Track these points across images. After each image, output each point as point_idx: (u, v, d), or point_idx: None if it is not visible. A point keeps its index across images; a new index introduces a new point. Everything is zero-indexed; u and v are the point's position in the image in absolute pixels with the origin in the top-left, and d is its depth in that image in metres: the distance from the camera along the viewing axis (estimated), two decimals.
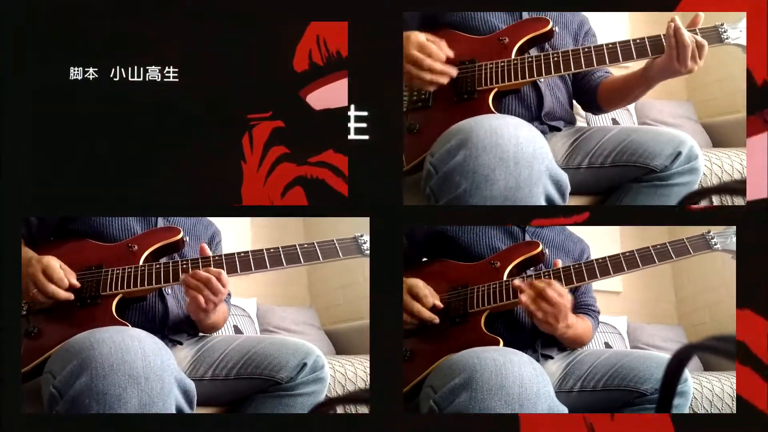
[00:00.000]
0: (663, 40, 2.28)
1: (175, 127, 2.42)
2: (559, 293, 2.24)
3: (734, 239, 2.33)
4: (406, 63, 2.29)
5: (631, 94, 2.40)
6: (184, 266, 2.32)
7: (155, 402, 2.17)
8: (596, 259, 2.30)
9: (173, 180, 2.41)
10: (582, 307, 2.40)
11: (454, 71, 2.30)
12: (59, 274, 2.28)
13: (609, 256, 2.30)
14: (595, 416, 2.30)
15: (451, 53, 2.31)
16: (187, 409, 2.24)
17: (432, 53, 2.29)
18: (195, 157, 2.39)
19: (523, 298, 2.24)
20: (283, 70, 2.38)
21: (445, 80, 2.30)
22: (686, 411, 2.29)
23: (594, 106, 2.45)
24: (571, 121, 2.43)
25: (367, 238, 2.37)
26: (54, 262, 2.29)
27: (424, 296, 2.30)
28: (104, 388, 2.16)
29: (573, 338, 2.32)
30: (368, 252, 2.37)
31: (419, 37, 2.29)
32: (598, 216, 2.41)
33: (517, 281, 2.27)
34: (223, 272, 2.29)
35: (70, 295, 2.29)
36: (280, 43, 2.36)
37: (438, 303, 2.30)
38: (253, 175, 2.39)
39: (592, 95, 2.43)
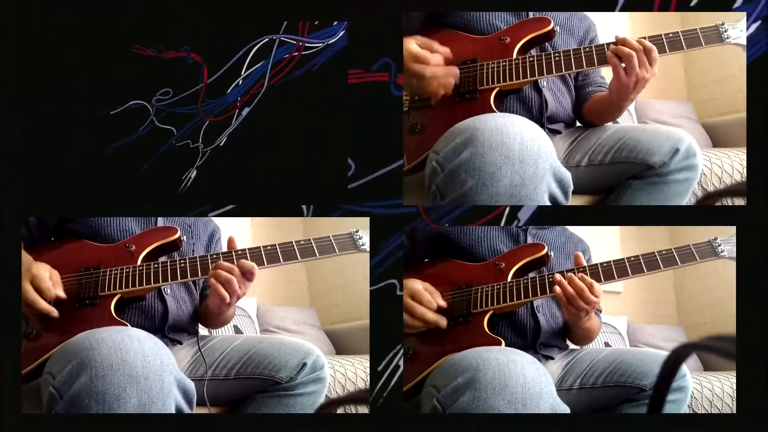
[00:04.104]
0: (663, 38, 2.28)
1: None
2: (597, 294, 2.25)
3: None
4: (407, 75, 2.29)
5: (607, 115, 2.40)
6: (182, 265, 2.32)
7: (155, 402, 2.17)
8: (601, 263, 2.30)
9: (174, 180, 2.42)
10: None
11: (456, 70, 2.30)
12: (46, 285, 2.26)
13: (614, 261, 2.30)
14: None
15: (447, 51, 2.31)
16: (186, 409, 2.23)
17: (429, 61, 2.29)
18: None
19: (558, 289, 2.25)
20: None
21: (451, 81, 2.30)
22: (685, 407, 2.29)
23: (579, 118, 2.45)
24: (571, 124, 2.43)
25: (362, 233, 2.37)
26: (43, 272, 2.27)
27: (428, 301, 2.30)
28: (104, 388, 2.15)
29: (587, 329, 2.33)
30: (364, 247, 2.36)
31: (412, 46, 2.28)
32: (598, 216, 2.41)
33: (558, 276, 2.27)
34: (254, 266, 2.30)
35: (53, 309, 2.27)
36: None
37: (442, 303, 2.30)
38: None
39: (580, 107, 2.44)
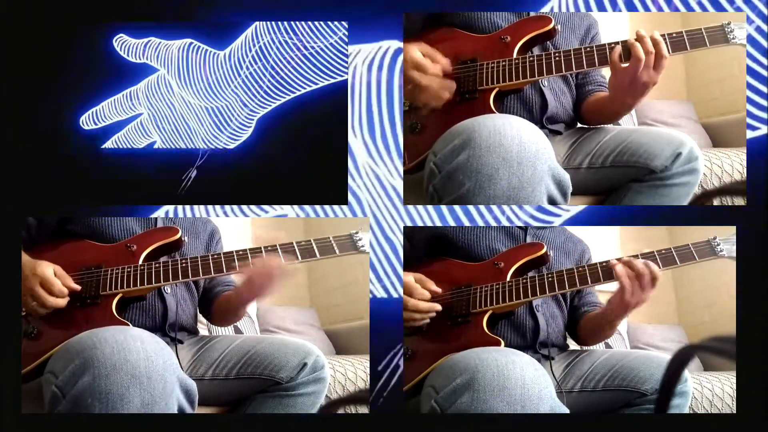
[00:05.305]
0: (666, 39, 2.26)
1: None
2: (656, 275, 2.23)
3: None
4: (406, 82, 2.28)
5: (606, 114, 2.39)
6: (183, 265, 2.32)
7: (157, 402, 2.17)
8: (600, 263, 2.29)
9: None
10: (591, 305, 2.40)
11: (452, 84, 2.28)
12: (58, 287, 2.27)
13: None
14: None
15: (447, 64, 2.29)
16: (188, 409, 2.23)
17: (428, 70, 2.27)
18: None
19: (625, 280, 2.23)
20: None
21: (445, 95, 2.28)
22: (686, 411, 2.29)
23: (577, 116, 2.44)
24: (572, 125, 2.42)
25: (362, 235, 2.37)
26: (49, 273, 2.27)
27: (420, 293, 2.29)
28: (107, 387, 2.15)
29: (612, 327, 2.35)
30: (363, 248, 2.36)
31: (414, 53, 2.27)
32: (598, 216, 2.41)
33: (619, 267, 2.24)
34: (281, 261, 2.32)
35: (67, 300, 2.29)
36: None
37: (435, 288, 2.28)
38: None
39: (578, 105, 2.42)
